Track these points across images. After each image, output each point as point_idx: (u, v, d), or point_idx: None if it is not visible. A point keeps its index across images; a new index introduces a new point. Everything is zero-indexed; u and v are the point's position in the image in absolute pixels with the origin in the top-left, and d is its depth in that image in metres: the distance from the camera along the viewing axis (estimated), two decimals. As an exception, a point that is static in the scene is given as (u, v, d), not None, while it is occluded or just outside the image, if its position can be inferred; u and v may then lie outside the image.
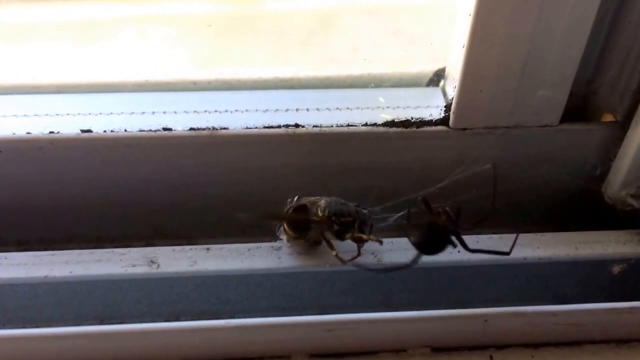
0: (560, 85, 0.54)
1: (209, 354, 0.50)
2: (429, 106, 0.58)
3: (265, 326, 0.49)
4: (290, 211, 0.52)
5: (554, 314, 0.49)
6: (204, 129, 0.55)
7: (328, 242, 0.52)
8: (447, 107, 0.56)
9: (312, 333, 0.49)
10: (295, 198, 0.53)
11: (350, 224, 0.50)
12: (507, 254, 0.52)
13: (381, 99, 0.59)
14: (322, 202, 0.51)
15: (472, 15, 0.49)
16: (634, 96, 0.55)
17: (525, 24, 0.50)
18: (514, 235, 0.52)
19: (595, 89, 0.57)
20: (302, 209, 0.51)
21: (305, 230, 0.52)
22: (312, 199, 0.52)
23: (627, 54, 0.54)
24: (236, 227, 0.58)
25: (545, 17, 0.49)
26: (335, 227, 0.50)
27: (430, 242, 0.49)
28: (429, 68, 0.62)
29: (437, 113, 0.57)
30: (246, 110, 0.58)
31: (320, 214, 0.50)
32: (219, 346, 0.50)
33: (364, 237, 0.50)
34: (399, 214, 0.52)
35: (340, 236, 0.50)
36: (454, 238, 0.49)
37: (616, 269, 0.55)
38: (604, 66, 0.56)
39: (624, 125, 0.56)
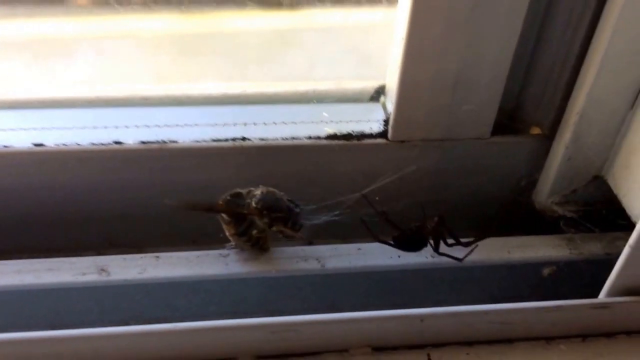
0: (489, 100, 0.58)
1: (155, 358, 0.51)
2: (370, 120, 0.61)
3: (211, 329, 0.50)
4: (226, 198, 0.54)
5: (486, 313, 0.51)
6: (154, 142, 0.57)
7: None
8: (386, 121, 0.59)
9: (257, 335, 0.50)
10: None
11: (280, 220, 0.53)
12: (460, 260, 0.56)
13: (325, 114, 0.62)
14: (258, 192, 0.53)
15: (404, 38, 0.52)
16: (557, 110, 0.59)
17: (454, 45, 0.54)
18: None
19: (523, 104, 0.60)
20: (236, 195, 0.54)
21: (241, 220, 0.54)
22: (248, 189, 0.54)
23: (550, 70, 0.57)
24: (186, 237, 0.60)
25: (474, 38, 0.53)
26: (265, 220, 0.53)
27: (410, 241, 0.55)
28: (370, 85, 0.65)
29: (377, 127, 0.59)
30: (195, 125, 0.60)
31: (253, 205, 0.52)
32: (165, 350, 0.50)
33: (291, 234, 0.54)
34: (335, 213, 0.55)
35: (270, 227, 0.53)
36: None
37: (546, 271, 0.58)
38: (530, 82, 0.59)
39: (550, 138, 0.59)
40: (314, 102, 0.64)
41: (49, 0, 0.62)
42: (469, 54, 0.54)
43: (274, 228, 0.54)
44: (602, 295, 0.53)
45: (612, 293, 0.53)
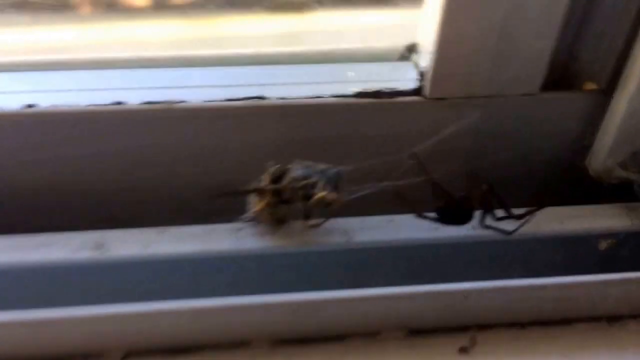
0: (539, 51, 0.51)
1: (157, 343, 0.45)
2: (402, 78, 0.54)
3: (221, 309, 0.44)
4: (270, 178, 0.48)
5: (541, 287, 0.46)
6: (159, 103, 0.50)
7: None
8: (422, 76, 0.52)
9: (275, 316, 0.44)
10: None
11: (311, 186, 0.46)
12: (510, 233, 0.50)
13: (351, 73, 0.55)
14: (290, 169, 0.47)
15: None
16: (617, 62, 0.51)
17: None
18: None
19: (577, 56, 0.53)
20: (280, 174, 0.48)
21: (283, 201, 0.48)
22: (280, 167, 0.48)
23: (610, 16, 0.49)
24: (197, 211, 0.52)
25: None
26: (301, 193, 0.47)
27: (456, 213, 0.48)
28: (400, 43, 0.57)
29: (411, 83, 0.53)
30: (208, 86, 0.53)
31: (285, 183, 0.47)
32: (167, 333, 0.45)
33: (322, 196, 0.46)
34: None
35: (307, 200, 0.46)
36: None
37: (604, 245, 0.50)
38: (585, 31, 0.53)
39: (607, 93, 0.52)
40: (338, 62, 0.56)
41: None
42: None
43: (313, 202, 0.47)
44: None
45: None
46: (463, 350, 0.45)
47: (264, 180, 0.47)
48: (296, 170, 0.47)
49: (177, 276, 0.50)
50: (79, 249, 0.49)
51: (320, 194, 0.45)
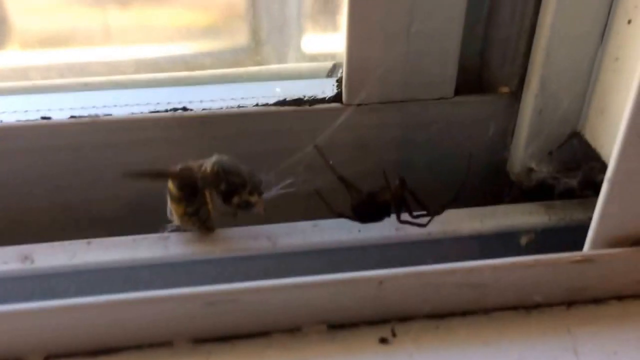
0: (447, 55, 0.54)
1: (78, 344, 0.45)
2: (325, 90, 0.56)
3: (139, 301, 0.45)
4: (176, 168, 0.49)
5: (453, 271, 0.47)
6: (85, 117, 0.53)
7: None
8: (339, 84, 0.54)
9: (191, 308, 0.45)
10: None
11: (240, 185, 0.47)
12: (424, 225, 0.52)
13: (277, 89, 0.57)
14: (212, 158, 0.48)
15: None
16: (522, 65, 0.55)
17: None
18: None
19: (488, 62, 0.56)
20: (187, 169, 0.49)
21: (193, 195, 0.48)
22: (200, 161, 0.48)
23: (511, 19, 0.54)
24: (124, 225, 0.54)
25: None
26: (223, 185, 0.47)
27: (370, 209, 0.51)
28: (327, 64, 0.61)
29: (330, 90, 0.55)
30: (135, 104, 0.55)
31: (208, 169, 0.47)
32: (89, 334, 0.45)
33: (253, 200, 0.48)
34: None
35: (227, 198, 0.48)
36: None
37: (524, 240, 0.52)
38: (491, 38, 0.56)
39: (518, 95, 0.55)
40: (268, 80, 0.59)
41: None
42: (418, 2, 0.51)
43: (234, 199, 0.49)
44: (585, 249, 0.47)
45: (596, 245, 0.47)
46: (384, 340, 0.46)
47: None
48: (224, 160, 0.49)
49: (105, 285, 0.51)
50: (6, 261, 0.50)
51: (251, 197, 0.48)
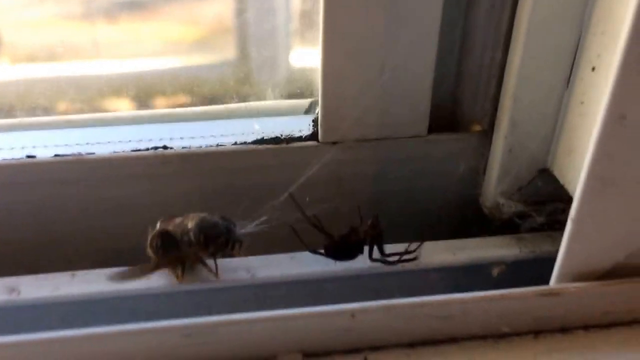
0: (420, 94, 0.57)
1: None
2: (303, 129, 0.59)
3: (118, 334, 0.47)
4: (154, 236, 0.52)
5: (422, 305, 0.48)
6: (69, 155, 0.55)
7: (204, 264, 0.53)
8: (315, 122, 0.57)
9: (170, 340, 0.47)
10: (158, 223, 0.53)
11: (223, 244, 0.51)
12: (394, 263, 0.54)
13: (256, 126, 0.60)
14: (190, 224, 0.51)
15: (321, 27, 0.53)
16: (493, 102, 0.57)
17: (374, 34, 0.54)
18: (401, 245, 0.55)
19: (460, 101, 0.59)
20: (167, 236, 0.52)
21: (171, 251, 0.51)
22: (177, 220, 0.51)
23: (481, 62, 0.57)
24: (108, 258, 0.56)
25: (393, 25, 0.53)
26: (211, 249, 0.51)
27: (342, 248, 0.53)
28: (306, 101, 0.63)
29: (306, 129, 0.57)
30: (118, 142, 0.58)
31: (193, 239, 0.50)
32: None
33: (235, 253, 0.52)
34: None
35: (213, 255, 0.51)
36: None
37: (496, 271, 0.55)
38: (462, 77, 0.59)
39: (490, 133, 0.58)
40: (247, 117, 0.62)
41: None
42: (390, 43, 0.54)
43: (218, 255, 0.52)
44: (551, 283, 0.50)
45: (561, 279, 0.50)
46: (356, 370, 0.48)
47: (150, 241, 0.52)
48: (205, 228, 0.51)
49: (89, 315, 0.53)
50: (-8, 294, 0.51)
51: (233, 252, 0.51)
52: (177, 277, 0.53)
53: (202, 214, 0.52)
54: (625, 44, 0.39)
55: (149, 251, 0.52)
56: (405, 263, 0.55)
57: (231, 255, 0.53)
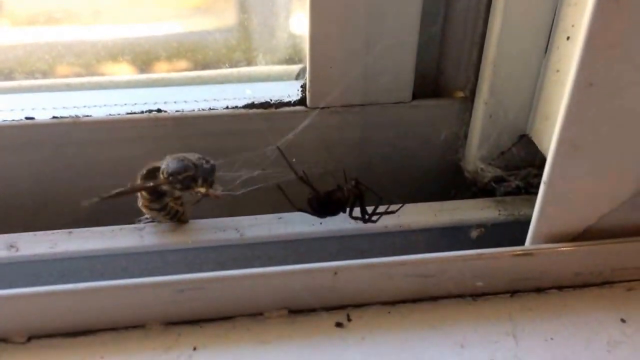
0: (404, 61, 0.60)
1: (58, 326, 0.51)
2: (292, 94, 0.62)
3: (115, 288, 0.50)
4: (142, 176, 0.55)
5: (402, 263, 0.52)
6: (66, 117, 0.58)
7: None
8: (303, 88, 0.60)
9: (162, 294, 0.50)
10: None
11: (190, 179, 0.53)
12: (374, 221, 0.57)
13: (248, 91, 0.63)
14: (163, 163, 0.53)
15: None
16: (475, 70, 0.60)
17: (360, 4, 0.56)
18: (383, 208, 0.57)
19: (444, 69, 0.62)
20: (153, 170, 0.55)
21: (161, 195, 0.54)
22: (160, 162, 0.54)
23: (463, 31, 0.60)
24: (103, 217, 0.59)
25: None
26: (177, 185, 0.53)
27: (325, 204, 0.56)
28: (296, 66, 0.66)
29: (295, 95, 0.60)
30: (113, 105, 0.61)
31: (162, 176, 0.53)
32: (68, 316, 0.50)
33: (204, 191, 0.53)
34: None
35: (186, 190, 0.53)
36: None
37: (475, 234, 0.58)
38: (446, 44, 0.61)
39: (472, 100, 0.61)
40: (239, 82, 0.65)
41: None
42: (375, 12, 0.56)
43: (191, 191, 0.54)
44: (526, 244, 0.53)
45: (536, 241, 0.53)
46: (339, 325, 0.52)
47: (137, 179, 0.54)
48: (171, 164, 0.54)
49: (85, 272, 0.56)
50: (-9, 249, 0.54)
51: (200, 189, 0.53)
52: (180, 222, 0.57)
53: (180, 154, 0.55)
54: (591, 15, 0.42)
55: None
56: (388, 224, 0.58)
57: (207, 195, 0.55)
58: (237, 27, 0.67)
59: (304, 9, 0.59)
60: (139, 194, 0.55)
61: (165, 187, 0.53)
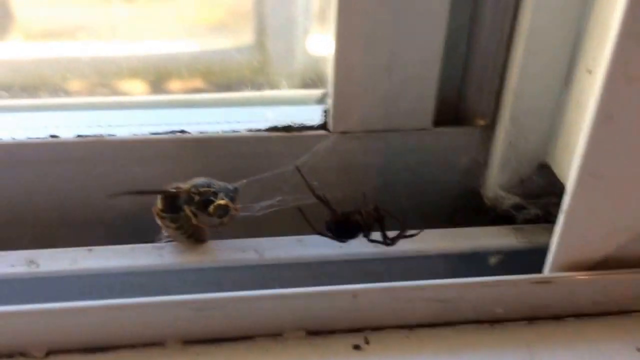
0: (426, 88, 0.61)
1: (76, 342, 0.52)
2: (314, 118, 0.64)
3: (135, 306, 0.51)
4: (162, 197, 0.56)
5: (421, 288, 0.53)
6: (90, 136, 0.60)
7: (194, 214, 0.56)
8: (326, 113, 0.61)
9: (181, 313, 0.51)
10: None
11: (211, 194, 0.55)
12: (391, 244, 0.58)
13: (270, 114, 0.64)
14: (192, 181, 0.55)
15: (335, 21, 0.56)
16: (496, 100, 0.61)
17: (383, 29, 0.58)
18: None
19: (465, 96, 0.63)
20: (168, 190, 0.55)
21: (175, 212, 0.55)
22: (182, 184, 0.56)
23: (485, 59, 0.61)
24: (123, 236, 0.61)
25: (402, 22, 0.57)
26: (197, 197, 0.55)
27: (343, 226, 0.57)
28: (318, 91, 0.68)
29: (317, 119, 0.62)
30: (137, 125, 0.62)
31: (185, 186, 0.55)
32: (88, 333, 0.52)
33: (222, 203, 0.54)
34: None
35: (204, 209, 0.54)
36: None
37: (493, 260, 0.59)
38: (469, 72, 0.63)
39: (493, 127, 0.62)
40: (261, 105, 0.67)
41: None
42: (399, 39, 0.58)
43: (210, 208, 0.55)
44: (545, 272, 0.54)
45: (554, 269, 0.54)
46: (357, 347, 0.53)
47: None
48: (197, 179, 0.55)
49: (104, 290, 0.58)
50: (13, 264, 0.56)
51: (220, 201, 0.54)
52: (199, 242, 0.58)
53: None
54: (612, 49, 0.43)
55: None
56: (407, 249, 0.60)
57: (226, 213, 0.56)
58: (257, 46, 0.69)
59: (323, 30, 0.60)
60: (157, 213, 0.56)
61: (183, 196, 0.55)
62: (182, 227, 0.57)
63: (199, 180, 0.55)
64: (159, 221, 0.56)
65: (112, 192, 0.55)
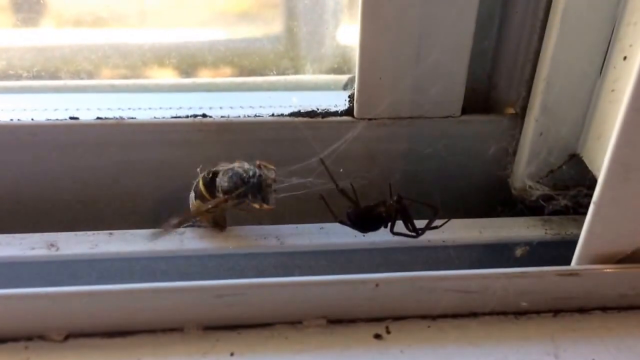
0: (455, 76, 0.62)
1: (96, 326, 0.54)
2: (339, 104, 0.65)
3: (154, 290, 0.53)
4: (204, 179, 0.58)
5: (443, 278, 0.54)
6: (111, 119, 0.62)
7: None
8: (351, 99, 0.63)
9: (201, 299, 0.53)
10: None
11: (242, 194, 0.56)
12: (416, 236, 0.59)
13: (294, 99, 0.66)
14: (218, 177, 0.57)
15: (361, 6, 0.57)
16: (528, 87, 0.62)
17: (411, 12, 0.59)
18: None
19: (495, 84, 0.64)
20: (213, 177, 0.58)
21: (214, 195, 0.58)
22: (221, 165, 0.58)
23: (517, 47, 0.62)
24: (143, 219, 0.63)
25: (430, 11, 0.59)
26: (236, 201, 0.57)
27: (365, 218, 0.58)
28: (344, 76, 0.70)
29: (342, 104, 0.63)
30: (158, 108, 0.65)
31: (221, 196, 0.57)
32: (107, 317, 0.53)
33: (257, 206, 0.57)
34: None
35: (238, 203, 0.57)
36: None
37: (519, 252, 0.61)
38: (499, 60, 0.64)
39: (522, 116, 0.63)
40: (287, 90, 0.69)
41: None
42: (428, 24, 0.59)
43: (243, 205, 0.58)
44: (573, 264, 0.56)
45: (582, 261, 0.55)
46: (378, 336, 0.54)
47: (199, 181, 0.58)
48: (222, 182, 0.58)
49: (124, 274, 0.60)
50: (33, 247, 0.59)
51: (254, 205, 0.57)
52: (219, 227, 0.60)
53: (238, 165, 0.59)
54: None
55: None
56: (431, 239, 0.61)
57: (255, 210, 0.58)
58: (285, 35, 0.70)
59: (353, 18, 0.61)
60: (195, 192, 0.59)
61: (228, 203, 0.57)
62: (214, 210, 0.58)
63: (224, 181, 0.58)
64: (194, 200, 0.58)
65: (160, 231, 0.58)
